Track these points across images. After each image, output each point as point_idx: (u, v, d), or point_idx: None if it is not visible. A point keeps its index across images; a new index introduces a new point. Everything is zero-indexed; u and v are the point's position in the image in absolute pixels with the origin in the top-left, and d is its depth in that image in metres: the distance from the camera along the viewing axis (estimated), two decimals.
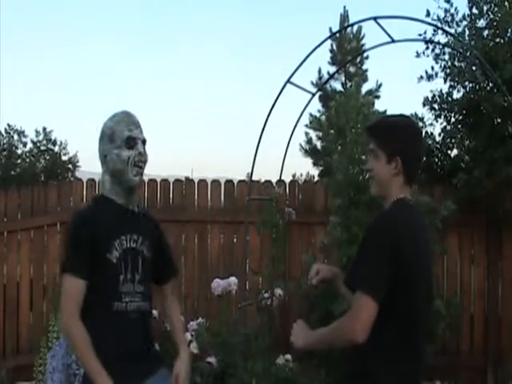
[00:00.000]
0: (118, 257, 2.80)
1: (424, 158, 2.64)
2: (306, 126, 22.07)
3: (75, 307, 2.72)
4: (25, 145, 23.13)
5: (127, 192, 2.91)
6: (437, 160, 7.18)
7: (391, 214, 2.57)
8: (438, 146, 7.14)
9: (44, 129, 23.24)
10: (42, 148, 23.03)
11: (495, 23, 6.75)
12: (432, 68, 7.01)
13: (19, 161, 22.54)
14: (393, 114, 2.81)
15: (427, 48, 6.99)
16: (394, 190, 2.59)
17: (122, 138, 2.85)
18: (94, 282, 2.75)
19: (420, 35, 6.62)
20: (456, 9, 6.86)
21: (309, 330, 2.68)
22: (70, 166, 23.30)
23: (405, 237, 2.45)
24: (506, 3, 6.69)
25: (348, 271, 2.60)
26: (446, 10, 6.87)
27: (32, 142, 23.11)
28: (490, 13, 6.85)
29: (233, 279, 5.72)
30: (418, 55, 7.01)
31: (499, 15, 6.73)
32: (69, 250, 2.83)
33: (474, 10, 6.87)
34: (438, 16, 6.85)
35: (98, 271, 2.75)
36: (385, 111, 6.66)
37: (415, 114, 7.16)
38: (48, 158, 22.87)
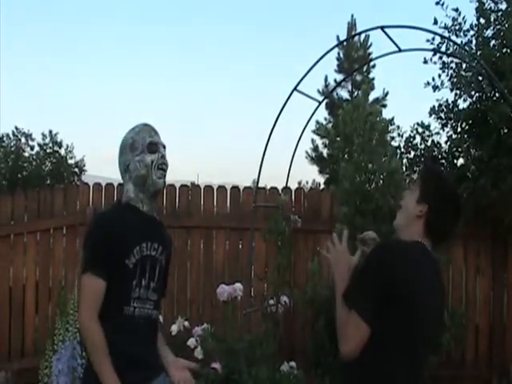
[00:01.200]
0: (135, 263, 2.81)
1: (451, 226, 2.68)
2: (313, 131, 22.08)
3: (95, 308, 2.72)
4: (32, 148, 23.23)
5: (151, 199, 2.94)
6: (443, 169, 7.18)
7: (401, 246, 2.62)
8: (445, 155, 7.15)
9: (50, 132, 23.35)
10: (48, 151, 23.11)
11: (502, 33, 6.76)
12: (439, 76, 7.03)
13: (26, 164, 22.62)
14: (451, 179, 2.93)
15: (435, 54, 7.01)
16: (412, 231, 2.65)
17: (144, 143, 2.90)
18: (108, 285, 2.75)
19: (428, 41, 6.65)
20: (464, 18, 6.88)
21: (346, 273, 2.70)
22: (77, 169, 23.38)
23: (406, 272, 2.49)
24: None
25: (349, 284, 2.62)
26: (454, 19, 6.89)
27: (38, 145, 23.20)
28: (497, 23, 6.86)
29: (238, 285, 5.73)
30: (425, 61, 7.03)
31: (506, 25, 6.74)
32: (89, 249, 2.82)
33: (482, 20, 6.88)
34: (445, 24, 6.88)
35: (114, 274, 2.75)
36: (392, 118, 6.67)
37: (421, 122, 7.18)
38: (54, 161, 22.94)
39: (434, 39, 6.70)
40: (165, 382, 2.96)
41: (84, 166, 23.71)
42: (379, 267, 2.50)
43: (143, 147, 2.89)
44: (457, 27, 6.90)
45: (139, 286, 2.82)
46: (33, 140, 23.28)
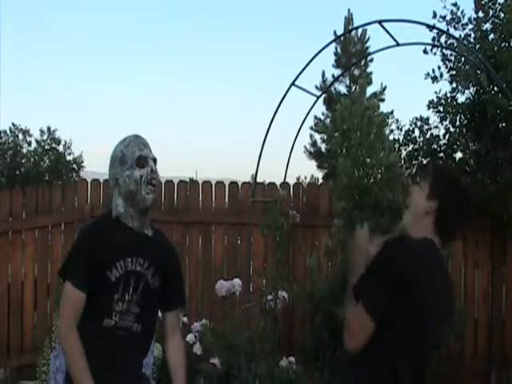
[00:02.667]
0: (118, 277, 2.78)
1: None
2: (311, 128, 22.05)
3: (74, 316, 2.73)
4: (30, 144, 23.23)
5: (141, 214, 2.90)
6: (441, 163, 7.17)
7: (412, 243, 2.58)
8: (443, 148, 7.14)
9: (48, 128, 23.34)
10: (46, 147, 23.11)
11: (501, 27, 6.74)
12: (439, 67, 7.00)
13: (24, 160, 22.61)
14: (459, 174, 2.91)
15: (434, 46, 6.98)
16: (421, 227, 2.62)
17: (133, 158, 2.86)
18: (89, 296, 2.75)
19: (428, 27, 6.63)
20: (462, 12, 6.86)
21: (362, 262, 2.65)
22: (75, 166, 23.38)
23: (415, 270, 2.48)
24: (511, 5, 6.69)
25: (360, 277, 2.60)
26: (453, 13, 6.87)
27: (36, 141, 23.20)
28: (495, 17, 6.85)
29: (237, 281, 5.73)
30: (425, 51, 6.99)
31: (505, 19, 6.73)
32: (72, 258, 2.82)
33: (480, 14, 6.86)
34: (444, 17, 6.86)
35: (95, 286, 2.75)
36: (392, 111, 6.65)
37: (420, 117, 7.16)
38: (52, 157, 22.94)
39: (434, 26, 6.68)
40: None
41: (82, 162, 23.75)
42: (388, 263, 2.48)
43: (132, 162, 2.86)
44: (455, 21, 6.88)
45: (122, 301, 2.80)
46: (30, 136, 23.27)
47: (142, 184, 2.84)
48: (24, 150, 22.92)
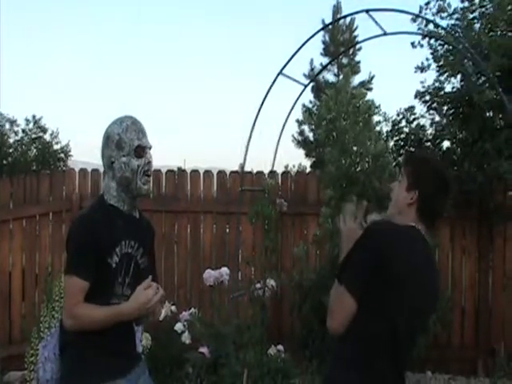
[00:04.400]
0: (117, 262, 2.80)
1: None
2: (297, 121, 22.06)
3: (78, 304, 2.72)
4: (16, 134, 23.09)
5: (132, 199, 2.91)
6: (414, 151, 7.20)
7: (394, 228, 2.61)
8: (430, 138, 7.17)
9: (33, 116, 23.21)
10: (33, 136, 22.98)
11: (486, 16, 6.78)
12: (427, 59, 7.04)
13: (11, 150, 22.48)
14: (434, 157, 2.91)
15: (423, 38, 7.02)
16: (406, 218, 2.65)
17: (132, 146, 2.85)
18: (91, 284, 2.74)
19: (412, 19, 6.67)
20: (449, 4, 6.92)
21: (351, 241, 2.64)
22: (62, 155, 23.26)
23: (394, 255, 2.50)
24: None
25: (343, 260, 2.63)
26: (439, 3, 6.92)
27: (22, 130, 23.06)
28: (481, 6, 6.89)
29: (224, 269, 5.73)
30: (413, 46, 7.03)
31: (491, 9, 6.76)
32: (73, 253, 2.79)
33: (466, 4, 6.91)
34: (430, 8, 6.90)
35: (97, 274, 2.74)
36: (379, 106, 6.67)
37: (409, 107, 7.19)
38: (39, 146, 22.81)
39: (417, 17, 6.72)
40: (144, 368, 3.02)
41: (69, 151, 23.61)
42: (369, 245, 2.51)
43: (130, 149, 2.84)
44: (442, 11, 6.92)
45: (117, 284, 2.82)
46: (17, 126, 23.14)
47: (139, 174, 2.85)
48: (11, 140, 22.78)
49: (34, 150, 22.75)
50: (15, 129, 23.07)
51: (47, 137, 23.17)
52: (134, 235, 2.89)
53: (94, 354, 2.78)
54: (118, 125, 2.89)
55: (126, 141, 2.85)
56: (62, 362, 2.98)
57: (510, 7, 6.64)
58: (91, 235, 2.74)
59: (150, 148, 2.93)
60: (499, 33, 6.68)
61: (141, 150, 2.87)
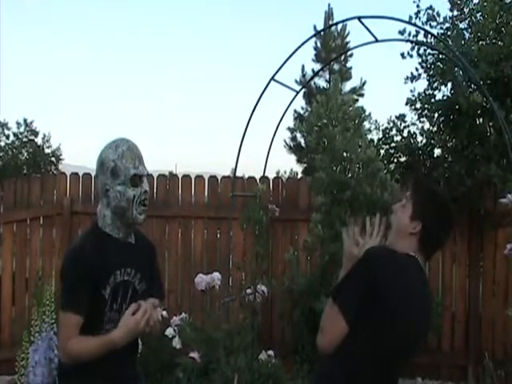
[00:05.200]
0: (109, 292, 2.75)
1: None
2: (288, 128, 22.11)
3: (70, 338, 2.69)
4: (8, 137, 22.99)
5: (128, 227, 2.85)
6: (419, 160, 7.24)
7: (394, 255, 2.60)
8: (421, 146, 7.20)
9: (25, 120, 23.12)
10: (24, 140, 22.90)
11: (476, 25, 6.84)
12: (417, 69, 7.09)
13: (2, 153, 22.39)
14: (442, 192, 2.91)
15: (412, 48, 7.06)
16: (406, 246, 2.62)
17: (127, 175, 2.76)
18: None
19: (400, 32, 6.72)
20: (438, 13, 6.99)
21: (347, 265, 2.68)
22: (54, 159, 23.18)
23: (390, 279, 2.50)
24: (485, 4, 6.77)
25: (342, 279, 2.63)
26: (428, 12, 6.98)
27: (13, 133, 22.97)
28: (471, 15, 6.95)
29: (216, 274, 5.73)
30: (403, 57, 7.08)
31: (481, 18, 6.82)
32: (67, 287, 2.73)
33: (456, 12, 6.96)
34: (419, 18, 6.97)
35: (91, 304, 2.71)
36: (369, 114, 6.70)
37: (400, 115, 7.23)
38: (31, 150, 22.74)
39: (404, 30, 6.79)
40: None
41: (61, 155, 23.52)
42: (366, 270, 2.51)
43: (126, 178, 2.76)
44: (432, 19, 6.98)
45: (110, 310, 2.78)
46: (8, 129, 23.04)
47: (135, 204, 2.78)
48: (2, 143, 22.70)
49: (25, 154, 22.67)
50: (6, 132, 22.98)
51: (39, 140, 23.10)
52: (131, 262, 2.83)
53: (93, 380, 2.74)
54: (113, 150, 2.79)
55: (121, 168, 2.75)
56: None
57: (498, 16, 6.69)
58: (84, 268, 2.68)
59: (145, 176, 2.85)
60: (488, 41, 6.72)
61: (137, 179, 2.79)
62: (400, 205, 2.70)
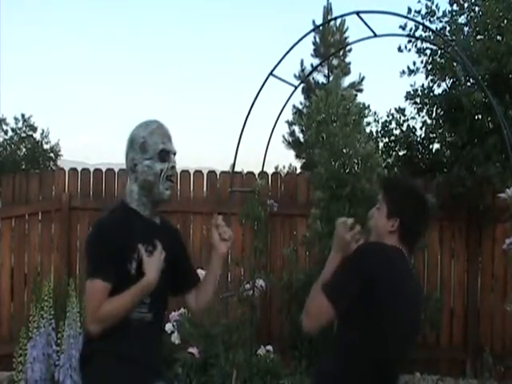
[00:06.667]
0: (135, 267, 2.74)
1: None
2: (287, 121, 22.07)
3: (100, 306, 2.66)
4: (6, 133, 22.99)
5: (154, 204, 2.86)
6: (418, 154, 7.24)
7: (381, 246, 2.65)
8: (420, 140, 7.20)
9: (23, 115, 23.12)
10: (23, 135, 22.90)
11: (476, 20, 6.82)
12: (414, 63, 7.08)
13: (0, 149, 22.39)
14: (411, 181, 2.93)
15: (409, 42, 7.05)
16: (389, 243, 2.66)
17: (156, 149, 2.80)
18: (111, 291, 2.69)
19: (401, 27, 6.70)
20: (437, 5, 6.96)
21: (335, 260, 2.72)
22: (52, 154, 23.17)
23: (382, 272, 2.54)
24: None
25: (332, 273, 2.66)
26: (428, 6, 6.95)
27: (12, 129, 22.96)
28: (470, 10, 6.93)
29: None
30: (400, 50, 7.07)
31: (480, 12, 6.80)
32: (92, 256, 2.74)
33: (455, 7, 6.94)
34: (419, 12, 6.94)
35: (116, 281, 2.69)
36: (368, 106, 6.67)
37: (398, 108, 7.22)
38: (29, 145, 22.73)
39: (406, 25, 6.78)
40: None
41: (59, 150, 23.51)
42: (358, 263, 2.55)
43: (154, 153, 2.80)
44: (430, 14, 6.96)
45: None
46: (7, 125, 23.03)
47: (161, 179, 2.80)
48: (0, 139, 22.70)
49: (24, 149, 22.67)
50: (4, 127, 22.97)
51: (37, 136, 23.09)
52: (153, 241, 2.80)
53: (117, 363, 2.72)
54: (143, 128, 2.85)
55: (150, 144, 2.80)
56: (83, 374, 2.86)
57: (497, 10, 6.68)
58: (110, 240, 2.70)
59: (174, 153, 2.88)
60: (487, 37, 6.71)
61: (165, 154, 2.82)
62: (375, 209, 2.75)
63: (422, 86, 7.06)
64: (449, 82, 6.96)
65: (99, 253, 2.71)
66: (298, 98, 23.04)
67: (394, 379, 2.70)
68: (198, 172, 7.22)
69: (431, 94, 7.01)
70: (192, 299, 3.08)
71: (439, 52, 6.93)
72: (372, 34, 4.92)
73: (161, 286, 2.80)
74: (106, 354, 2.73)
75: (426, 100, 7.00)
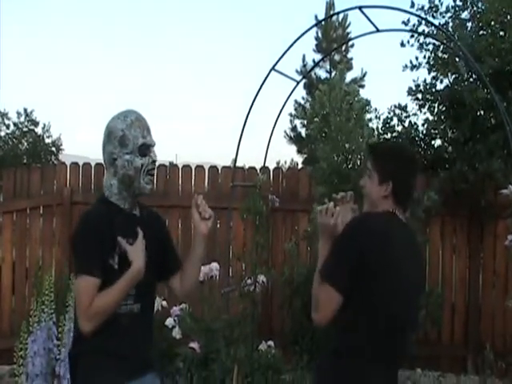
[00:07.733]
0: (117, 261, 2.72)
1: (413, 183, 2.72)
2: (290, 115, 22.07)
3: (91, 303, 2.63)
4: (8, 127, 23.01)
5: (134, 197, 2.85)
6: (420, 150, 7.22)
7: (368, 217, 2.69)
8: (422, 136, 7.18)
9: (25, 110, 23.13)
10: (24, 129, 22.91)
11: (478, 15, 6.80)
12: (416, 58, 7.06)
13: (2, 143, 22.40)
14: (395, 142, 2.98)
15: (412, 36, 7.03)
16: (384, 207, 2.69)
17: (136, 143, 2.76)
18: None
19: (403, 23, 6.68)
20: (440, 0, 6.93)
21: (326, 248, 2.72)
22: (54, 149, 23.19)
23: (373, 243, 2.55)
24: None
25: (327, 255, 2.67)
26: (431, 1, 6.92)
27: (14, 123, 22.98)
28: (473, 5, 6.90)
29: (214, 265, 5.71)
30: (402, 45, 7.05)
31: (483, 8, 6.78)
32: (80, 252, 2.72)
33: (458, 2, 6.92)
34: (422, 6, 6.92)
35: (103, 275, 2.66)
36: (369, 102, 6.67)
37: (399, 104, 7.20)
38: (31, 140, 22.75)
39: (409, 20, 6.75)
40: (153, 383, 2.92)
41: (61, 144, 23.54)
42: (351, 239, 2.57)
43: (134, 147, 2.76)
44: (433, 9, 6.93)
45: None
46: (9, 119, 23.05)
47: (142, 173, 2.78)
48: (2, 133, 22.74)
49: (25, 144, 22.69)
50: (6, 122, 22.99)
51: (39, 130, 23.12)
52: (133, 233, 2.79)
53: (106, 361, 2.70)
54: (121, 120, 2.79)
55: (129, 138, 2.75)
56: (72, 373, 2.84)
57: (500, 7, 6.66)
58: (95, 235, 2.68)
59: (153, 146, 2.85)
60: (490, 32, 6.69)
61: (145, 149, 2.78)
62: (366, 178, 2.77)
63: (425, 81, 7.03)
64: (451, 77, 6.93)
65: (86, 248, 2.69)
66: (300, 94, 23.06)
67: (395, 354, 2.69)
68: (200, 167, 7.22)
69: (433, 89, 6.99)
70: (177, 283, 3.06)
71: (442, 47, 6.90)
72: (374, 29, 4.91)
73: (146, 276, 2.77)
74: (95, 351, 2.71)
75: (428, 96, 6.98)
